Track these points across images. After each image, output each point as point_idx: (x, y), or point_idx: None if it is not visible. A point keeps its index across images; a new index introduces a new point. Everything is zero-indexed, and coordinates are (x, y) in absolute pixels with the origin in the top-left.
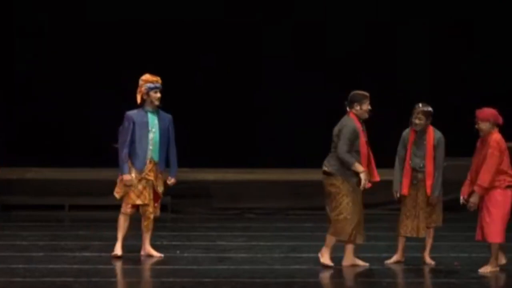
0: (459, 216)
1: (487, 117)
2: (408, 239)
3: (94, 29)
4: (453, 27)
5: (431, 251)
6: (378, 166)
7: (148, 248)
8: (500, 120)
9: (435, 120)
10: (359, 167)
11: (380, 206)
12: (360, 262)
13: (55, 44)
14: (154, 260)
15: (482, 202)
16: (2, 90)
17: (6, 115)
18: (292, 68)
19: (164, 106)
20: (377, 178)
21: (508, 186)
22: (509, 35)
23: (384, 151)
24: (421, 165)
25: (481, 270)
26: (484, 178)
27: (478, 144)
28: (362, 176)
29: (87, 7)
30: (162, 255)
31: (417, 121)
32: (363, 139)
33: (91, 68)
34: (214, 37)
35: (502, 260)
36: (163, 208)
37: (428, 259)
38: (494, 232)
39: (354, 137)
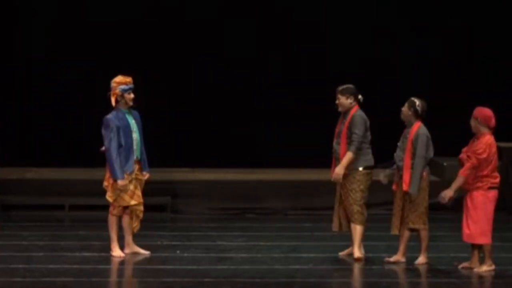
0: (459, 216)
1: (475, 115)
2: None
3: (94, 29)
4: (453, 31)
5: (426, 252)
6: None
7: (134, 247)
8: (492, 123)
9: (435, 120)
10: None
11: (380, 206)
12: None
13: (55, 43)
14: (154, 260)
15: (465, 204)
16: (2, 89)
17: (6, 115)
18: (292, 68)
19: (164, 106)
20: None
21: (491, 188)
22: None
23: (383, 152)
24: (401, 158)
25: (477, 270)
26: (466, 172)
27: (470, 142)
28: None
29: (88, 7)
30: (149, 252)
31: (402, 108)
32: (335, 132)
33: (91, 68)
34: (213, 37)
35: (475, 264)
36: (163, 208)
37: (418, 260)
38: (479, 234)
39: None
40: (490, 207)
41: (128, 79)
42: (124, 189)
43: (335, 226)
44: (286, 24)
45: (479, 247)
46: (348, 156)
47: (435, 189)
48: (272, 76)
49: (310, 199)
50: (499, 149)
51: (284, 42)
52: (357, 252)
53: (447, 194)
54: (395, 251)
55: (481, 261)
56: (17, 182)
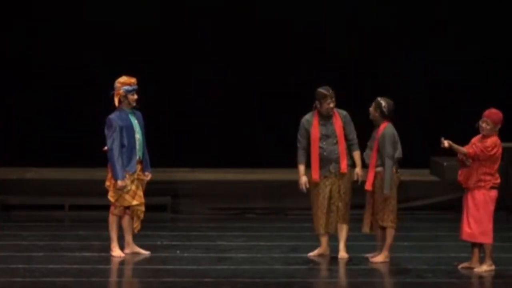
0: (459, 216)
1: (495, 120)
2: (404, 239)
3: (95, 29)
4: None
5: (388, 250)
6: None
7: (134, 247)
8: (500, 125)
9: (435, 120)
10: (299, 168)
11: None
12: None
13: (55, 43)
14: (154, 260)
15: (466, 202)
16: (2, 90)
17: (6, 114)
18: (292, 68)
19: (164, 106)
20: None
21: (492, 187)
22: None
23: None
24: (369, 156)
25: (477, 270)
26: (470, 151)
27: (475, 140)
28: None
29: (89, 7)
30: (149, 252)
31: (370, 108)
32: (315, 135)
33: (92, 68)
34: (213, 38)
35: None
36: (163, 208)
37: (377, 257)
38: (481, 233)
39: (301, 131)
40: (491, 206)
41: (133, 80)
42: (124, 190)
43: (332, 228)
44: (286, 25)
45: (479, 247)
46: (360, 156)
47: (436, 189)
48: (272, 76)
49: (309, 199)
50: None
51: (283, 42)
52: (345, 252)
53: (449, 142)
54: (395, 251)
55: (481, 261)
56: (17, 182)
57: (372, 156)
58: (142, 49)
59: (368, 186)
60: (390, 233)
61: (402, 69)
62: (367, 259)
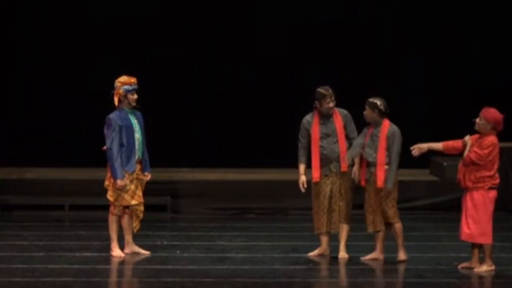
0: (459, 216)
1: (487, 118)
2: (404, 239)
3: (94, 29)
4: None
5: (404, 247)
6: None
7: (134, 247)
8: (500, 127)
9: (435, 120)
10: (299, 168)
11: None
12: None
13: (54, 44)
14: (154, 260)
15: (465, 203)
16: (2, 89)
17: (6, 115)
18: (292, 67)
19: (164, 106)
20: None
21: (491, 188)
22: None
23: None
24: (374, 156)
25: (477, 270)
26: (471, 156)
27: (472, 139)
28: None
29: (89, 6)
30: (149, 252)
31: (364, 112)
32: (315, 134)
33: (92, 68)
34: (213, 38)
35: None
36: (163, 208)
37: (399, 257)
38: (480, 234)
39: (302, 131)
40: (490, 207)
41: (133, 80)
42: (123, 189)
43: (334, 227)
44: (286, 24)
45: (479, 247)
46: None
47: (436, 189)
48: (272, 76)
49: (309, 199)
50: (499, 149)
51: (283, 42)
52: (345, 252)
53: (422, 147)
54: (394, 251)
55: (481, 261)
56: (17, 182)
57: (380, 155)
58: (142, 49)
59: (380, 184)
60: (399, 229)
61: (402, 69)
62: (364, 260)
